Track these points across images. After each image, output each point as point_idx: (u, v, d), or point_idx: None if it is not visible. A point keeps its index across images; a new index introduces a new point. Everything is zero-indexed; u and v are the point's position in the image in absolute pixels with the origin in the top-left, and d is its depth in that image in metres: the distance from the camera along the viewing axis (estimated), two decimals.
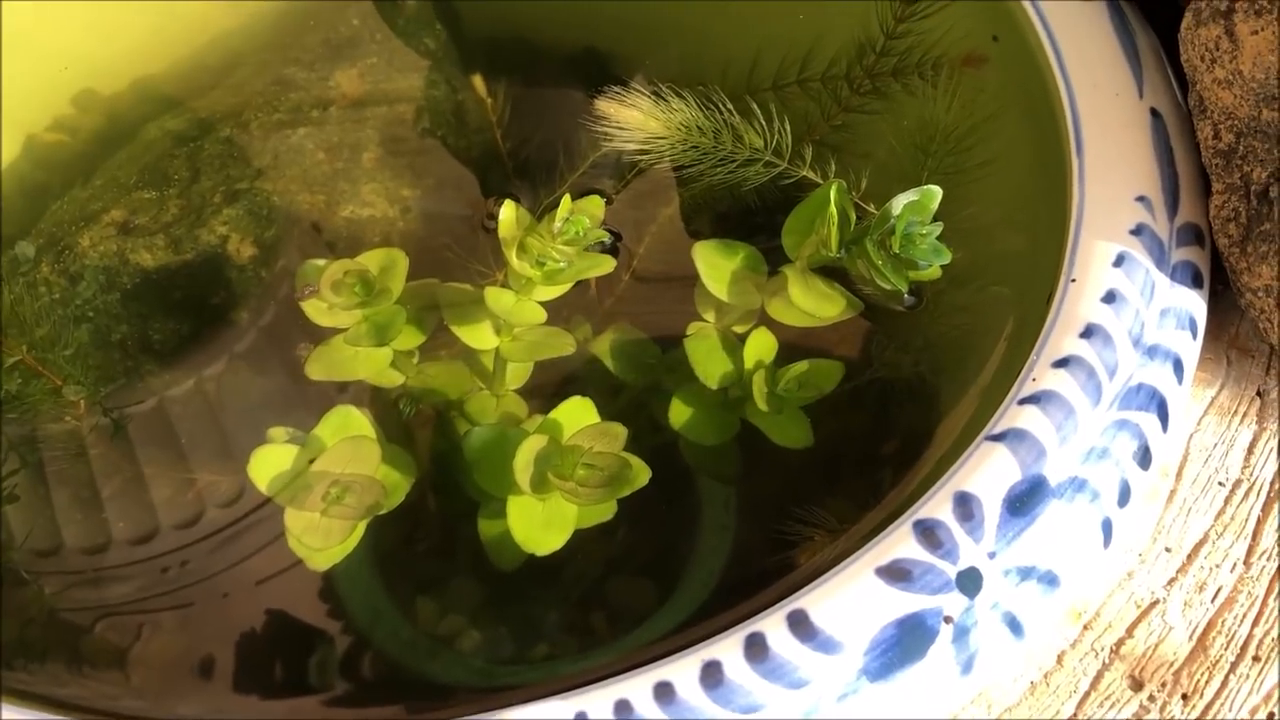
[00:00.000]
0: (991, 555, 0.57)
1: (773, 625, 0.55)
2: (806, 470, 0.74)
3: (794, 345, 0.73)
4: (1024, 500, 0.58)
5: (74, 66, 0.95)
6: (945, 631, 0.55)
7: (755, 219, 0.80)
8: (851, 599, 0.56)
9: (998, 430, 0.61)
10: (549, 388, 0.78)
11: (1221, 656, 0.62)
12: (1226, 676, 0.62)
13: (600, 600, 0.74)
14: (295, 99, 0.91)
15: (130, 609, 0.75)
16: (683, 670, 0.54)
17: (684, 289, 0.75)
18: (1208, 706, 0.61)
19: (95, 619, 0.74)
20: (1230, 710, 0.61)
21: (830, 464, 0.74)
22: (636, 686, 0.54)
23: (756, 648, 0.55)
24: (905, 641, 0.55)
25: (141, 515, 0.77)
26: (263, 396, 0.81)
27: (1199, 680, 0.62)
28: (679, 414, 0.73)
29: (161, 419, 0.80)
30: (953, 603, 0.56)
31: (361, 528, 0.66)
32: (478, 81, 0.93)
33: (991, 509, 0.58)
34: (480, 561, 0.72)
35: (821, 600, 0.56)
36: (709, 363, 0.72)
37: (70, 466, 0.78)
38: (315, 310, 0.69)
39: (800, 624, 0.55)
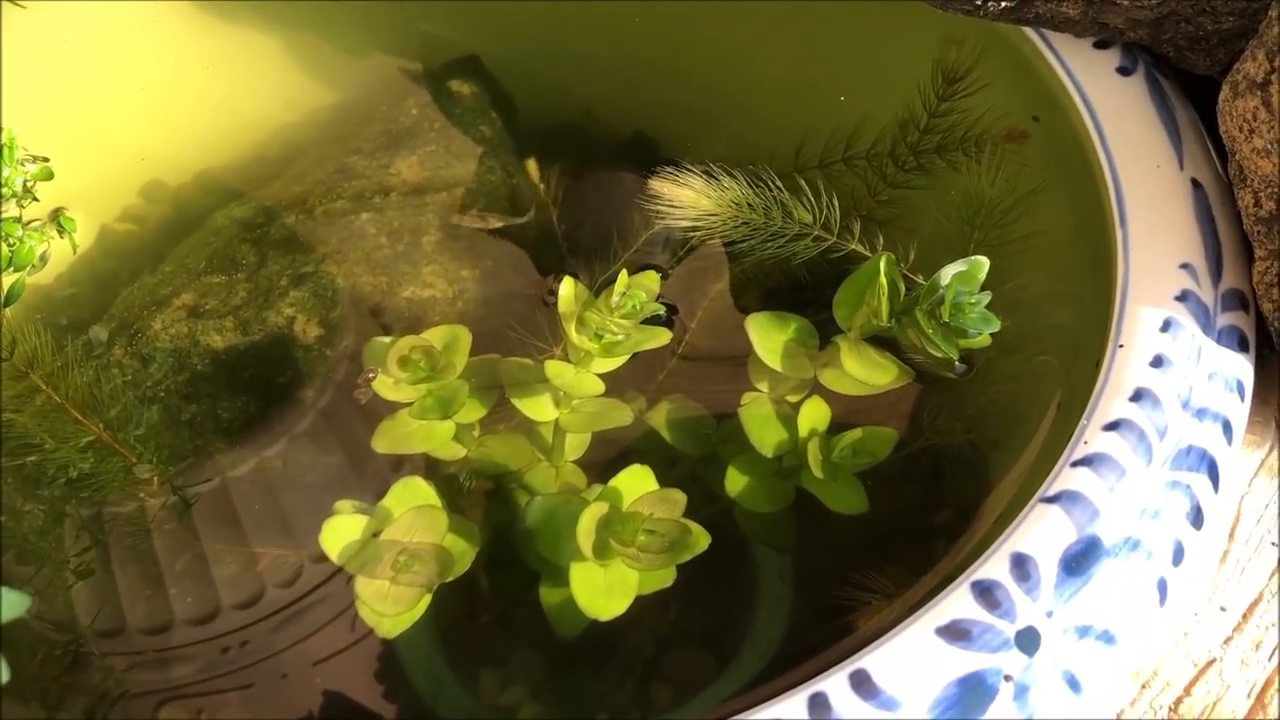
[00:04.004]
0: (1049, 614, 0.58)
1: (835, 685, 0.56)
2: (861, 537, 0.75)
3: (846, 417, 0.75)
4: (1080, 560, 0.59)
5: (143, 161, 0.98)
6: (1006, 689, 0.56)
7: (804, 293, 0.82)
8: (912, 658, 0.57)
9: (1052, 492, 0.62)
10: (606, 462, 0.79)
11: None
12: None
13: (659, 672, 0.75)
14: (357, 186, 0.94)
15: (192, 690, 0.76)
16: None
17: (735, 364, 0.77)
18: None
19: (159, 702, 0.75)
20: None
21: (885, 530, 0.75)
22: None
23: (820, 707, 0.56)
24: (966, 700, 0.56)
25: (204, 595, 0.79)
26: (327, 472, 0.83)
27: None
28: (735, 482, 0.74)
29: (228, 497, 0.82)
30: (1012, 661, 0.57)
31: (429, 596, 0.67)
32: (531, 166, 0.96)
33: (1048, 569, 0.59)
34: (539, 634, 0.73)
35: (883, 660, 0.57)
36: (764, 432, 0.74)
37: (138, 544, 0.80)
38: (382, 385, 0.71)
39: (862, 683, 0.56)
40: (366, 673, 0.75)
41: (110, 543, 0.80)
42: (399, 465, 0.81)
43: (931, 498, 0.77)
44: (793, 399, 0.75)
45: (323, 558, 0.77)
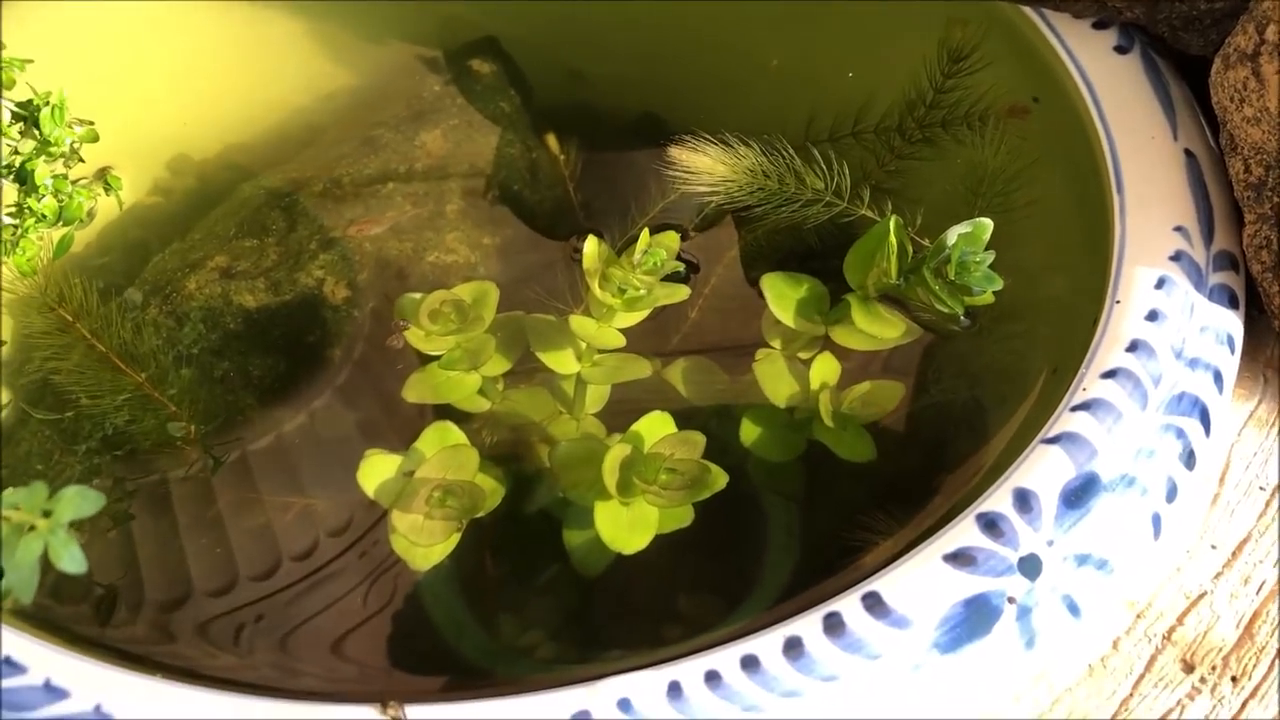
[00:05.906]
0: (1050, 543, 0.61)
1: (849, 605, 0.60)
2: (869, 485, 0.78)
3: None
4: (1079, 494, 0.63)
5: (168, 139, 1.02)
6: (1009, 610, 0.60)
7: (813, 263, 0.85)
8: (921, 581, 0.61)
9: (1052, 434, 0.66)
10: (622, 419, 0.83)
11: (1268, 644, 0.66)
12: (1274, 661, 0.66)
13: (671, 613, 0.78)
14: (384, 157, 0.97)
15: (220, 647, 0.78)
16: (767, 645, 0.59)
17: (747, 330, 0.81)
18: (1255, 688, 0.65)
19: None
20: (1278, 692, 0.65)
21: (891, 478, 0.78)
22: (725, 659, 0.59)
23: (835, 626, 0.59)
24: (972, 619, 0.59)
25: (223, 564, 0.81)
26: (354, 428, 0.86)
27: (1247, 664, 0.66)
28: (749, 432, 0.78)
29: (258, 456, 0.85)
30: (1015, 585, 0.60)
31: (458, 533, 0.71)
32: (551, 140, 0.99)
33: (1049, 502, 0.63)
34: (559, 582, 0.76)
35: (894, 583, 0.61)
36: (777, 384, 0.77)
37: (160, 506, 0.83)
38: (414, 336, 0.75)
39: (875, 604, 0.60)
40: (378, 650, 0.78)
41: (143, 498, 0.83)
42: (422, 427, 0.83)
43: (935, 448, 0.80)
44: (804, 355, 0.79)
45: (342, 528, 0.80)
